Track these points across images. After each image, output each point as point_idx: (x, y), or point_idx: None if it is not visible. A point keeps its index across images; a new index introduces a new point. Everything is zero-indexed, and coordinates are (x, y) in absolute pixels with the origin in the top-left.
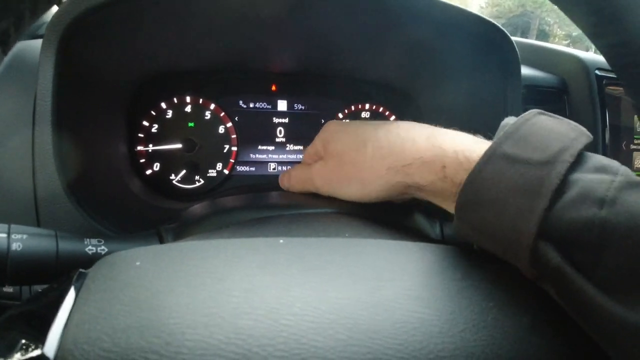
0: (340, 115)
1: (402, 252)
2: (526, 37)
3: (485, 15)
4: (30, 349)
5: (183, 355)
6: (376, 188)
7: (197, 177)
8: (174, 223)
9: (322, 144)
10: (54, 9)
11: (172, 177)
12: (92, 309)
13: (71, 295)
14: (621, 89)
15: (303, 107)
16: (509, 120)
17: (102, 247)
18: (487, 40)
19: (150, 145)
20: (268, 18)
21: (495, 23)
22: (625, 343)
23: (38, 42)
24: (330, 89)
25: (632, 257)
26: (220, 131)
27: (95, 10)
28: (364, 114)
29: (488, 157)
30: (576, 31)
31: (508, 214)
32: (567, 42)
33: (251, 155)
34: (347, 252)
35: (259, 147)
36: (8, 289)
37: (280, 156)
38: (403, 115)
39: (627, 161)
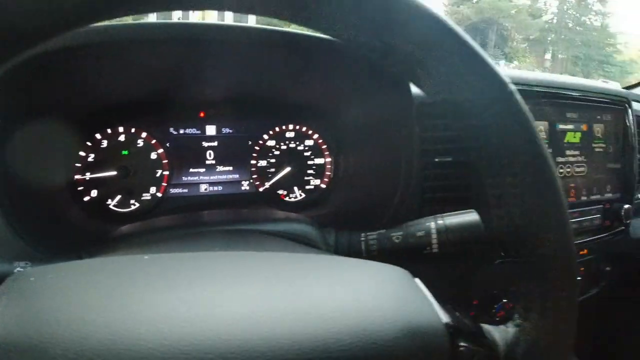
0: (266, 137)
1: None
2: (485, 43)
3: None
4: None
5: None
6: None
7: (132, 201)
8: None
9: None
10: None
11: (109, 202)
12: None
13: None
14: None
15: (231, 131)
16: None
17: (29, 269)
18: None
19: (88, 174)
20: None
21: None
22: None
23: None
24: (256, 113)
25: None
26: (152, 157)
27: (37, 57)
28: (289, 134)
29: None
30: (534, 34)
31: None
32: (525, 45)
33: (183, 178)
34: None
35: (190, 170)
36: None
37: (211, 177)
38: (326, 133)
39: None
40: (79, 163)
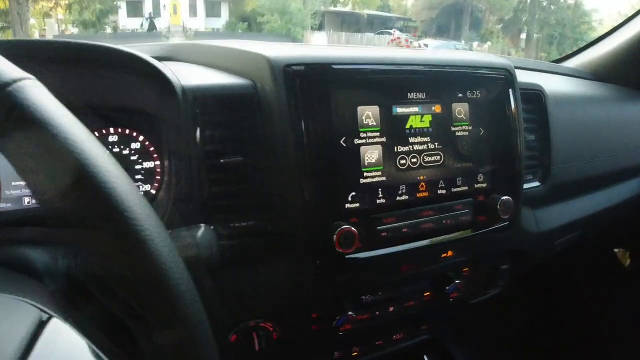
0: None
1: None
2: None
3: (418, 6)
4: None
5: None
6: None
7: None
8: None
9: None
10: None
11: None
12: None
13: None
14: None
15: None
16: None
17: None
18: (143, 72)
19: None
20: None
21: (141, 56)
22: None
23: None
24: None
25: None
26: None
27: None
28: (112, 138)
29: None
30: (508, 15)
31: None
32: (499, 25)
33: (6, 192)
34: None
35: (12, 183)
36: None
37: None
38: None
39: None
40: None
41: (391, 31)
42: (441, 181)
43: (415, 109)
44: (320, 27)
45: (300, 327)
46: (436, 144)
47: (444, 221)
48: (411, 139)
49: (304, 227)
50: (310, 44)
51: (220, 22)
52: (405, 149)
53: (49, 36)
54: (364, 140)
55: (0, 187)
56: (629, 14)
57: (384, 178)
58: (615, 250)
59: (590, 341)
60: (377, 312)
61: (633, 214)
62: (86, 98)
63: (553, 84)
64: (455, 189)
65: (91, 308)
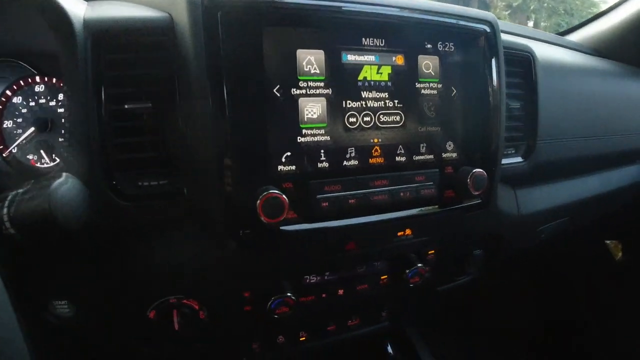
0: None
1: None
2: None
3: None
4: None
5: None
6: None
7: None
8: None
9: None
10: None
11: None
12: None
13: None
14: None
15: None
16: None
17: None
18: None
19: None
20: None
21: None
22: None
23: None
24: None
25: None
26: None
27: None
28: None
29: None
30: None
31: None
32: (507, 12)
33: None
34: None
35: None
36: None
37: None
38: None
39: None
40: None
41: None
42: (400, 147)
43: (370, 57)
44: None
45: (230, 308)
46: (396, 102)
47: (401, 194)
48: (364, 94)
49: (224, 191)
50: None
51: None
52: (356, 105)
53: None
54: (303, 91)
55: None
56: None
57: (327, 138)
58: (607, 242)
59: (576, 334)
60: (324, 295)
61: (628, 204)
62: None
63: (546, 50)
64: (417, 157)
65: None
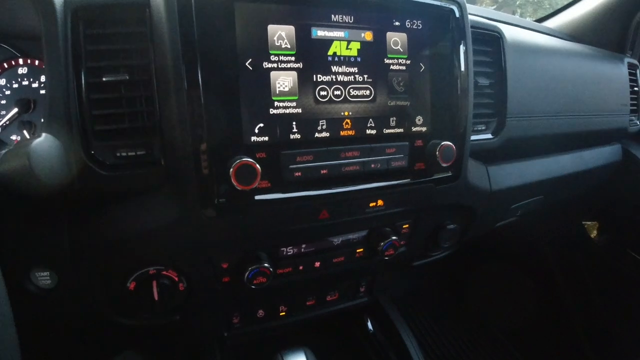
0: None
1: None
2: None
3: None
4: None
5: None
6: None
7: None
8: None
9: None
10: None
11: None
12: None
13: None
14: None
15: None
16: None
17: None
18: None
19: None
20: None
21: None
22: None
23: None
24: None
25: None
26: None
27: None
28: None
29: None
30: None
31: None
32: (494, 7)
33: None
34: None
35: None
36: None
37: None
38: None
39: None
40: None
41: None
42: (370, 120)
43: (340, 33)
44: None
45: (208, 278)
46: (365, 76)
47: (372, 165)
48: (334, 68)
49: (199, 161)
50: None
51: None
52: (327, 78)
53: None
54: (274, 65)
55: None
56: None
57: (299, 110)
58: (586, 223)
59: (553, 314)
60: (301, 267)
61: (604, 184)
62: None
63: (517, 32)
64: (387, 130)
65: None
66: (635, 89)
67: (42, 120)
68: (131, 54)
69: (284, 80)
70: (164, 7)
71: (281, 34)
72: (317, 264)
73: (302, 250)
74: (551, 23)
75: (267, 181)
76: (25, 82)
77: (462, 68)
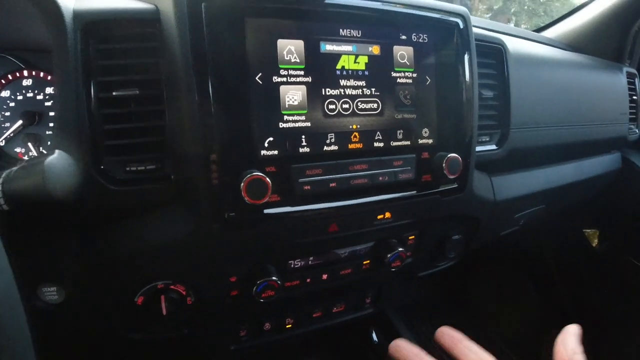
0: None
1: None
2: None
3: None
4: None
5: None
6: None
7: None
8: None
9: None
10: None
11: None
12: None
13: None
14: None
15: None
16: None
17: None
18: None
19: None
20: None
21: None
22: None
23: None
24: None
25: None
26: None
27: None
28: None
29: None
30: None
31: None
32: (488, 15)
33: None
34: None
35: None
36: None
37: None
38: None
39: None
40: None
41: None
42: (378, 132)
43: (348, 47)
44: None
45: (217, 292)
46: (373, 89)
47: (380, 178)
48: (343, 82)
49: (209, 175)
50: None
51: None
52: (335, 92)
53: None
54: (284, 79)
55: None
56: None
57: (308, 124)
58: (586, 231)
59: (555, 322)
60: (309, 280)
61: (604, 192)
62: None
63: (519, 44)
64: (395, 143)
65: None
66: (634, 97)
67: (53, 135)
68: (142, 68)
69: (293, 94)
70: (175, 23)
71: (290, 48)
72: (325, 276)
73: (310, 263)
74: (550, 33)
75: (277, 195)
76: (30, 94)
77: (468, 80)
